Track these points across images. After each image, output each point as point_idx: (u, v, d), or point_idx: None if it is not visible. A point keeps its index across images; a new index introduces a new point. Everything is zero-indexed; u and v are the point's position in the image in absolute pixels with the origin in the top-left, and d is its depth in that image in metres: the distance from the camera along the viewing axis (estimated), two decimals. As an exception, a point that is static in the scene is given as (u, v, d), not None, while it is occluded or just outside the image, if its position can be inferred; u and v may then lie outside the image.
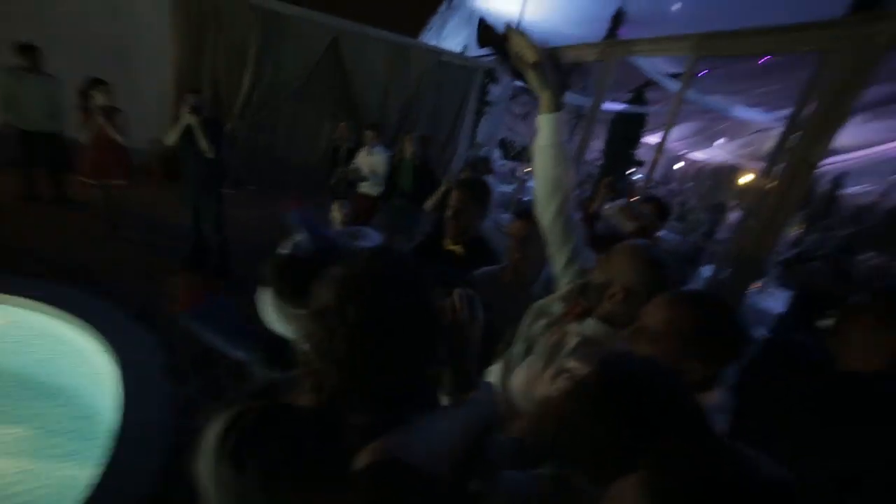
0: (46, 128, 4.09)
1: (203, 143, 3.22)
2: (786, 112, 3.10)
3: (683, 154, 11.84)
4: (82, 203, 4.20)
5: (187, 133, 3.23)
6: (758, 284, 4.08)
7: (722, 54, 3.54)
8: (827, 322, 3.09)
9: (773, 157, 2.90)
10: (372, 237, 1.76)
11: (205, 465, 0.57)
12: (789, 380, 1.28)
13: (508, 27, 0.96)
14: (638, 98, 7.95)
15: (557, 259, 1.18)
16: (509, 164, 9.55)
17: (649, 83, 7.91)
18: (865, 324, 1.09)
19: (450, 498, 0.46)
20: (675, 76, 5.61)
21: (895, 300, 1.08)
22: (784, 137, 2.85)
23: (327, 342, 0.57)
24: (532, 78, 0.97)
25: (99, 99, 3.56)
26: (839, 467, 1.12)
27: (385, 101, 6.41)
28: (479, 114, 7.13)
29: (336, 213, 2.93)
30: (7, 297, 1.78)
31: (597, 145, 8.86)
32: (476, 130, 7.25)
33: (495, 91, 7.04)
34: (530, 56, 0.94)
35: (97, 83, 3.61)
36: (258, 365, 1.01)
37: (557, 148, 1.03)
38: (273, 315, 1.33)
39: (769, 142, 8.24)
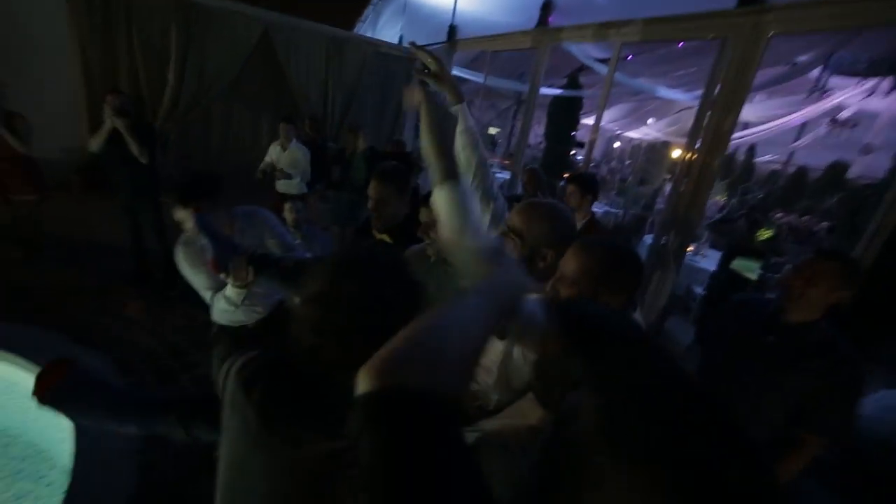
0: None
1: (134, 148, 2.97)
2: (700, 91, 3.43)
3: (619, 133, 12.56)
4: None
5: (114, 138, 2.95)
6: (691, 247, 4.50)
7: (638, 40, 3.81)
8: (741, 265, 3.47)
9: (693, 133, 3.20)
10: (300, 250, 1.75)
11: (223, 386, 0.72)
12: (743, 334, 1.47)
13: (412, 45, 1.13)
14: (573, 82, 8.32)
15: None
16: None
17: (583, 68, 8.30)
18: (821, 285, 1.28)
19: (456, 429, 0.39)
20: (604, 61, 5.95)
21: (847, 267, 1.28)
22: (700, 114, 3.15)
23: (325, 321, 0.65)
24: (436, 83, 1.13)
25: None
26: (788, 403, 1.34)
27: (326, 95, 6.23)
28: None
29: (288, 214, 2.87)
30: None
31: (539, 129, 9.18)
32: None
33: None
34: (431, 66, 1.11)
35: None
36: (173, 427, 0.94)
37: (468, 132, 1.22)
38: (183, 256, 1.52)
39: (691, 119, 8.94)
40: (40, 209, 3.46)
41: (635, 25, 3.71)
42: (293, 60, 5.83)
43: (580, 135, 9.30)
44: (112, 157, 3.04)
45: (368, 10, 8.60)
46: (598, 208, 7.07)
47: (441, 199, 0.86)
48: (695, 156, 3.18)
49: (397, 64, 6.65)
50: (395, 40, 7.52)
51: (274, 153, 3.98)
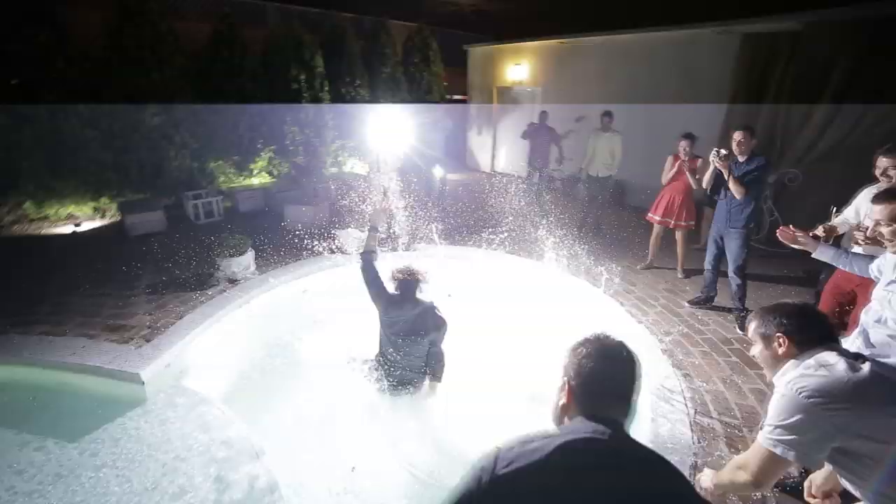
0: (602, 173, 5.08)
1: (732, 184, 3.08)
2: None
3: None
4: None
5: (718, 174, 3.18)
6: None
7: None
8: None
9: None
10: None
11: None
12: None
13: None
14: None
15: None
16: None
17: None
18: None
19: None
20: None
21: None
22: None
23: None
24: None
25: (684, 150, 3.81)
26: None
27: None
28: None
29: None
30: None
31: None
32: None
33: None
34: None
35: (687, 136, 3.82)
36: None
37: None
38: None
39: None
40: (688, 235, 4.09)
41: None
42: None
43: None
44: (714, 190, 3.32)
45: None
46: None
47: None
48: None
49: None
50: None
51: (854, 211, 2.46)
